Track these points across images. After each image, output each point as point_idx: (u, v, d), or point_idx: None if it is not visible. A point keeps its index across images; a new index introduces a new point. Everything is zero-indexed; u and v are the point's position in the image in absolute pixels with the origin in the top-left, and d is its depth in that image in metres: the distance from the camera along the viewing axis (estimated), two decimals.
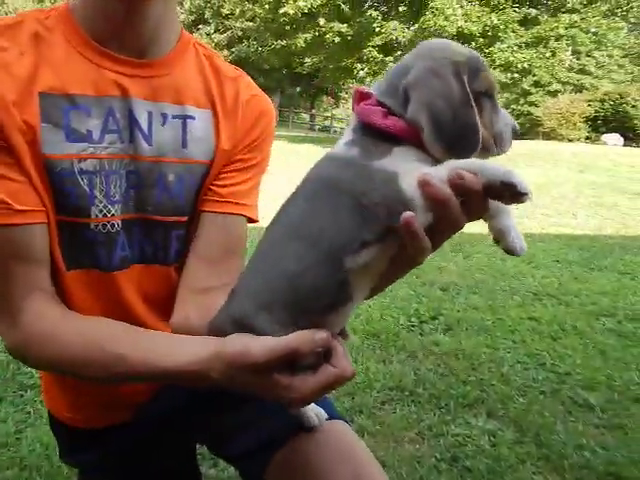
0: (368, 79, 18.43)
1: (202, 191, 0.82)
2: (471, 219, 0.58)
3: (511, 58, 14.63)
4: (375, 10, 15.09)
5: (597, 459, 1.71)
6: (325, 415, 0.79)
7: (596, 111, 20.56)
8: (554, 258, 4.43)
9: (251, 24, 21.27)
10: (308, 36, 16.02)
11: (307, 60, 17.33)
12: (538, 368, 2.35)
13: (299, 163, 9.82)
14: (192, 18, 27.41)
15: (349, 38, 15.29)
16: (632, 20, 19.90)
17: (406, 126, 0.58)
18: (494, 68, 15.78)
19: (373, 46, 15.29)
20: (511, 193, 0.54)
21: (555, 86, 25.64)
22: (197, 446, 1.09)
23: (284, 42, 17.39)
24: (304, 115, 36.01)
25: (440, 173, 0.55)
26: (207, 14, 27.11)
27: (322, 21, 15.23)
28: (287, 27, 16.32)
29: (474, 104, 0.58)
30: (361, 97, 0.63)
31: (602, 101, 20.80)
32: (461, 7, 14.02)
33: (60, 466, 1.54)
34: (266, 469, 0.80)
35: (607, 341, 2.68)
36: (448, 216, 0.55)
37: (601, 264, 4.30)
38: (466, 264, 4.02)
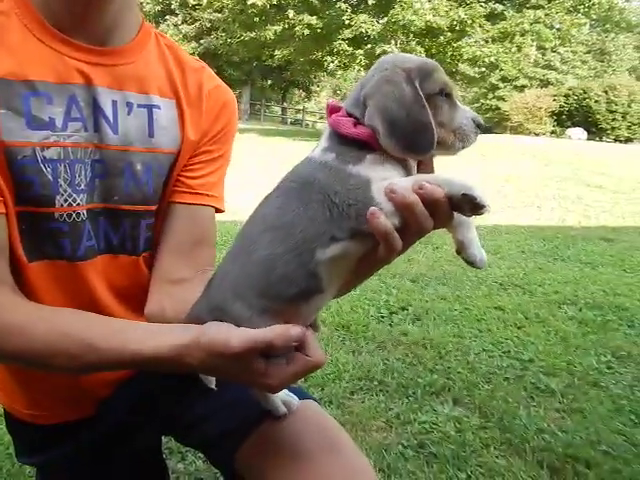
0: (338, 72, 18.44)
1: (170, 181, 0.82)
2: (437, 226, 0.61)
3: (478, 52, 14.85)
4: (344, 3, 15.06)
5: (557, 442, 1.78)
6: (297, 401, 0.80)
7: (561, 106, 21.14)
8: (519, 249, 4.55)
9: (219, 15, 20.93)
10: (277, 28, 15.87)
11: (277, 52, 17.17)
12: (503, 356, 2.42)
13: (270, 156, 9.76)
14: (158, 8, 26.76)
15: (319, 31, 15.22)
16: (594, 16, 20.45)
17: (373, 133, 0.61)
18: (462, 62, 16.02)
19: (343, 39, 15.28)
20: (471, 205, 0.59)
21: (522, 81, 26.22)
22: (164, 440, 1.09)
23: (253, 34, 17.18)
24: (275, 108, 35.77)
25: (406, 183, 0.59)
26: (174, 4, 26.53)
27: (291, 13, 15.11)
28: (256, 19, 16.12)
29: (427, 104, 0.61)
30: (332, 110, 0.66)
31: (567, 96, 21.40)
32: (429, 1, 14.14)
33: (22, 466, 1.50)
34: (235, 455, 0.80)
35: (568, 328, 2.78)
36: (414, 221, 0.59)
37: (564, 254, 4.44)
38: (435, 256, 4.09)
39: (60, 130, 0.71)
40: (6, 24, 0.69)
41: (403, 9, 13.91)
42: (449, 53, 15.46)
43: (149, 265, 0.85)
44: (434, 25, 14.08)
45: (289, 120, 31.52)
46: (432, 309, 2.90)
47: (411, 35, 15.09)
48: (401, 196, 0.57)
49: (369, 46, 15.14)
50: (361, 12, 15.09)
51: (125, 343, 0.64)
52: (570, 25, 15.76)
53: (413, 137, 0.61)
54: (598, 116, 20.46)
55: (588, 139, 19.03)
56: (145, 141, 0.79)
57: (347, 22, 14.75)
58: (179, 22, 27.32)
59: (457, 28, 14.39)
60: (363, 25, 14.70)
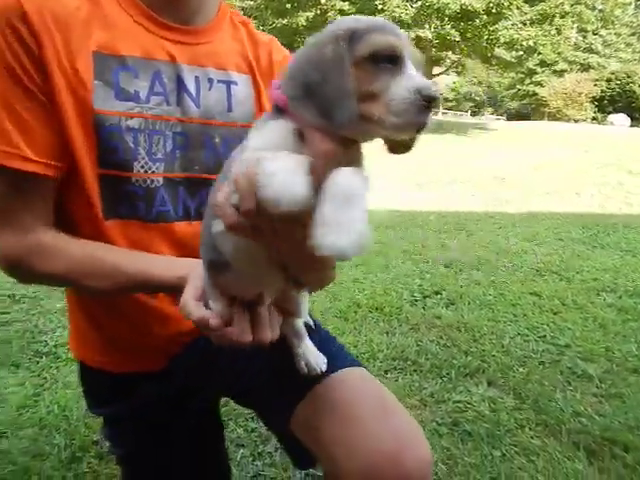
0: None
1: None
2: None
3: (515, 36, 14.43)
4: None
5: (594, 425, 1.77)
6: (324, 360, 0.84)
7: (602, 91, 20.32)
8: (557, 236, 4.46)
9: (252, 3, 20.94)
10: (310, 14, 15.79)
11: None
12: (538, 340, 2.40)
13: None
14: None
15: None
16: None
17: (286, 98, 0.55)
18: (499, 46, 15.58)
19: None
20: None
21: (561, 65, 25.28)
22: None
23: (285, 21, 17.15)
24: None
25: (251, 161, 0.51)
26: None
27: None
28: (288, 5, 16.09)
29: (351, 69, 0.52)
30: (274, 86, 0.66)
31: (609, 80, 20.54)
32: None
33: (77, 425, 1.60)
34: (291, 415, 0.84)
35: (607, 315, 2.73)
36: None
37: (604, 242, 4.32)
38: (468, 242, 4.06)
39: (144, 102, 0.78)
40: (102, 0, 0.76)
41: None
42: (485, 37, 15.07)
43: None
44: (469, 8, 13.74)
45: None
46: (466, 294, 2.90)
47: (446, 19, 14.77)
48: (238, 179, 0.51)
49: (402, 31, 14.87)
50: None
51: (151, 269, 0.75)
52: (613, 6, 15.11)
53: (328, 105, 0.51)
54: None
55: (632, 126, 18.25)
56: (224, 115, 0.84)
57: (380, 7, 14.55)
58: None
59: (494, 10, 14.00)
60: (397, 10, 14.47)
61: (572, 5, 14.42)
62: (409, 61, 0.53)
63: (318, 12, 15.51)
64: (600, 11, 15.60)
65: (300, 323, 0.83)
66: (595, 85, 20.41)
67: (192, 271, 0.72)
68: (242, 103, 0.85)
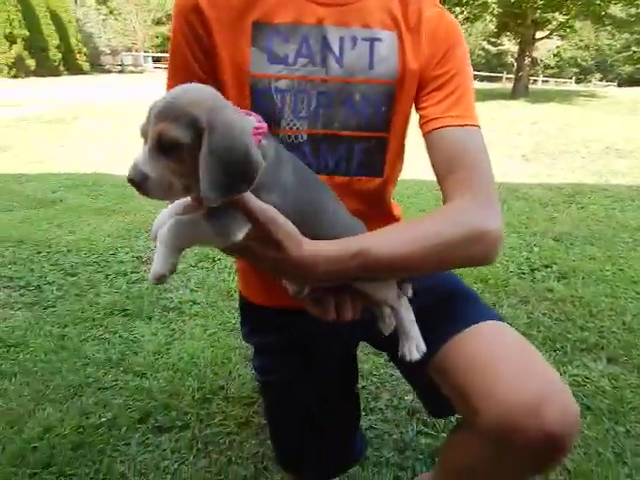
0: (466, 24, 17.20)
1: (395, 111, 0.88)
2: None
3: None
4: None
5: None
6: (424, 349, 0.86)
7: None
8: None
9: None
10: None
11: None
12: None
13: None
14: None
15: None
16: None
17: None
18: (614, 2, 13.99)
19: None
20: None
21: None
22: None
23: None
24: None
25: None
26: None
27: None
28: None
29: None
30: None
31: None
32: None
33: (206, 372, 1.77)
34: (429, 364, 0.87)
35: None
36: None
37: None
38: (581, 215, 3.78)
39: (291, 65, 0.83)
40: None
41: None
42: None
43: (364, 189, 0.92)
44: None
45: None
46: (580, 268, 2.72)
47: None
48: None
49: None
50: None
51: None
52: None
53: None
54: None
55: None
56: (365, 72, 0.86)
57: None
58: None
59: None
60: None
61: None
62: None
63: None
64: None
65: (399, 307, 0.86)
66: None
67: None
68: (385, 60, 0.86)
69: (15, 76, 15.96)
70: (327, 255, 0.71)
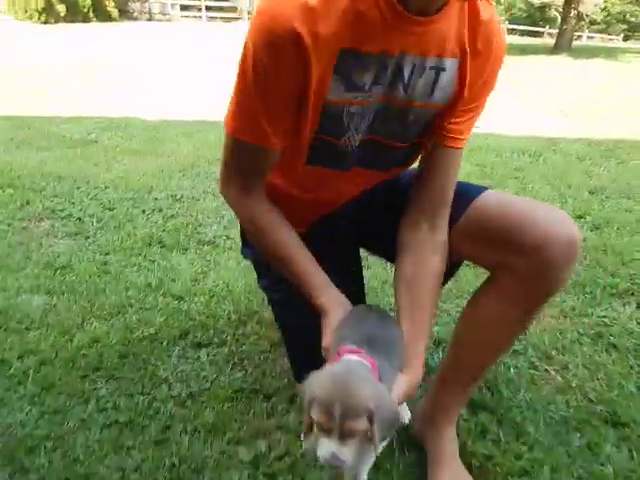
0: None
1: (434, 123, 0.95)
2: None
3: None
4: None
5: None
6: (409, 415, 1.20)
7: None
8: None
9: None
10: None
11: None
12: None
13: None
14: None
15: None
16: None
17: None
18: None
19: None
20: None
21: None
22: None
23: None
24: None
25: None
26: None
27: None
28: None
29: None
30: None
31: None
32: None
33: (240, 298, 1.85)
34: (456, 230, 1.05)
35: None
36: None
37: None
38: (619, 170, 3.68)
39: (366, 92, 0.86)
40: None
41: None
42: None
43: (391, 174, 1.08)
44: None
45: None
46: (614, 220, 2.68)
47: None
48: None
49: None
50: None
51: (309, 279, 0.97)
52: None
53: None
54: None
55: None
56: (424, 99, 0.90)
57: None
58: None
59: None
60: None
61: None
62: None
63: None
64: None
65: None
66: None
67: (329, 315, 0.94)
68: (443, 89, 0.89)
69: (45, 22, 15.92)
70: None
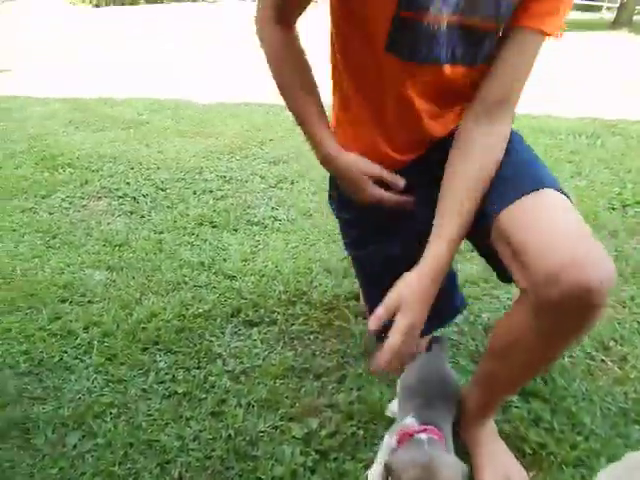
0: None
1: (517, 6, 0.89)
2: None
3: None
4: None
5: None
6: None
7: None
8: None
9: None
10: None
11: None
12: None
13: None
14: None
15: None
16: None
17: None
18: None
19: None
20: None
21: None
22: None
23: None
24: None
25: None
26: None
27: None
28: None
29: None
30: None
31: None
32: None
33: (289, 279, 1.88)
34: (493, 224, 0.93)
35: None
36: None
37: None
38: None
39: None
40: None
41: None
42: None
43: (475, 79, 0.97)
44: None
45: None
46: None
47: None
48: None
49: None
50: None
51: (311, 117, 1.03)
52: None
53: None
54: None
55: None
56: None
57: None
58: None
59: None
60: None
61: None
62: None
63: None
64: None
65: None
66: None
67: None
68: None
69: (97, 5, 16.38)
70: None
